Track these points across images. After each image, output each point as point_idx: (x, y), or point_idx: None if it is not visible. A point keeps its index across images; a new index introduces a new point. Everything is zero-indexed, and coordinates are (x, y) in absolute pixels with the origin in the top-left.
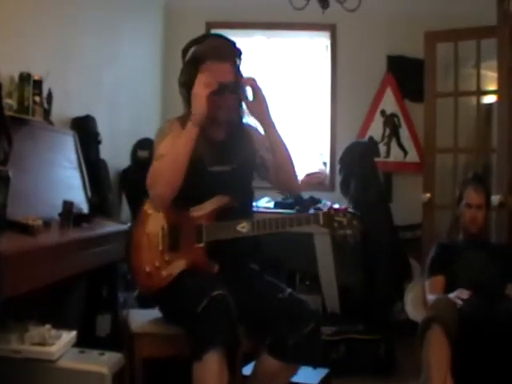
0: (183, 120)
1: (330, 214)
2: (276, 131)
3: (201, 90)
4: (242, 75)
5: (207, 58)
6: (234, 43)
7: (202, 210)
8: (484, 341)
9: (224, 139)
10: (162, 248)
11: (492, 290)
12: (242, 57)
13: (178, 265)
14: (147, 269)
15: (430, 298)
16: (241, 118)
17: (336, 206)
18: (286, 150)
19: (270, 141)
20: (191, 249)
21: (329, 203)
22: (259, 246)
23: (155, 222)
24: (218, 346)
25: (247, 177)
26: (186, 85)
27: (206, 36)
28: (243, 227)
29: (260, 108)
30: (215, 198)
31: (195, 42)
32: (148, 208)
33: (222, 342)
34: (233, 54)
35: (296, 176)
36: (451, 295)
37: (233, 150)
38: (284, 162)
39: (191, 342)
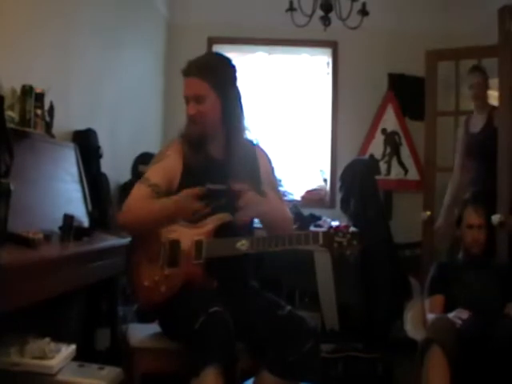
0: (182, 136)
1: (330, 234)
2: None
3: (188, 203)
4: (229, 89)
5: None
6: (220, 59)
7: (202, 227)
8: (483, 360)
9: (224, 158)
10: (162, 263)
11: (491, 310)
12: (229, 72)
13: (177, 280)
14: (146, 283)
15: (430, 317)
16: (237, 132)
17: (336, 223)
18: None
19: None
20: (190, 265)
21: (329, 220)
22: (259, 262)
23: (155, 237)
24: (215, 362)
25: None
26: None
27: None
28: (242, 245)
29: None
30: (216, 216)
31: None
32: None
33: (219, 359)
34: (206, 69)
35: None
36: (450, 315)
37: (233, 169)
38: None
39: (189, 358)
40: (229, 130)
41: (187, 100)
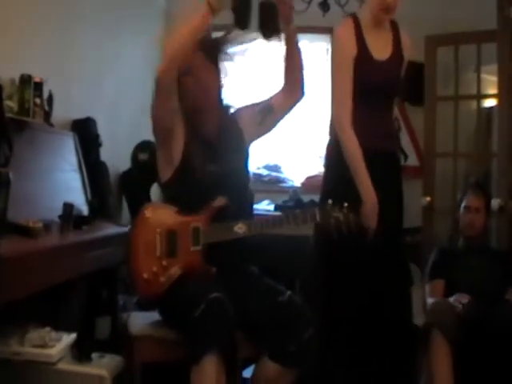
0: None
1: (326, 210)
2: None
3: None
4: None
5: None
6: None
7: (198, 213)
8: (484, 345)
9: (216, 140)
10: (160, 254)
11: (492, 295)
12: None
13: (176, 269)
14: (145, 275)
15: (430, 301)
16: (226, 107)
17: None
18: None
19: (289, 48)
20: (188, 252)
21: None
22: (259, 248)
23: (152, 228)
24: (215, 349)
25: (243, 179)
26: None
27: None
28: (240, 228)
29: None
30: (212, 201)
31: None
32: (148, 213)
33: (219, 346)
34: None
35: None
36: (450, 299)
37: (225, 151)
38: (298, 64)
39: (189, 346)
40: (222, 112)
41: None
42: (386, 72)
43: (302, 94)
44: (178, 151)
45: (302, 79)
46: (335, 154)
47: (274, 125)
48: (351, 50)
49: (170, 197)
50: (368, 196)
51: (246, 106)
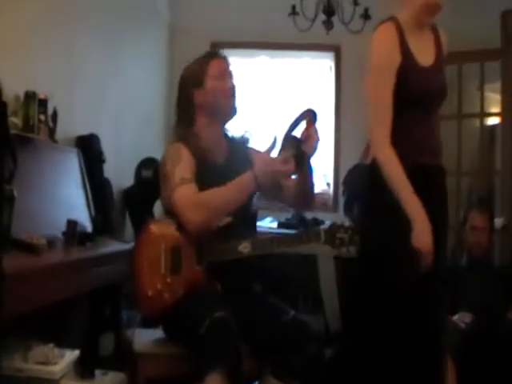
0: (188, 143)
1: (332, 231)
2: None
3: (279, 166)
4: None
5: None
6: None
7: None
8: (487, 363)
9: (224, 163)
10: (164, 271)
11: (494, 313)
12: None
13: (180, 287)
14: (149, 293)
15: None
16: (242, 139)
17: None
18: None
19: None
20: (192, 270)
21: None
22: (263, 266)
23: (155, 244)
24: (220, 366)
25: (249, 201)
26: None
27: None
28: (245, 247)
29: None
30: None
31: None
32: (146, 232)
33: (225, 363)
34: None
35: (314, 196)
36: (454, 318)
37: (233, 173)
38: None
39: (193, 363)
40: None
41: (220, 77)
42: (432, 79)
43: (309, 206)
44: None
45: (311, 197)
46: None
47: (274, 199)
48: (395, 57)
49: (172, 213)
50: (417, 214)
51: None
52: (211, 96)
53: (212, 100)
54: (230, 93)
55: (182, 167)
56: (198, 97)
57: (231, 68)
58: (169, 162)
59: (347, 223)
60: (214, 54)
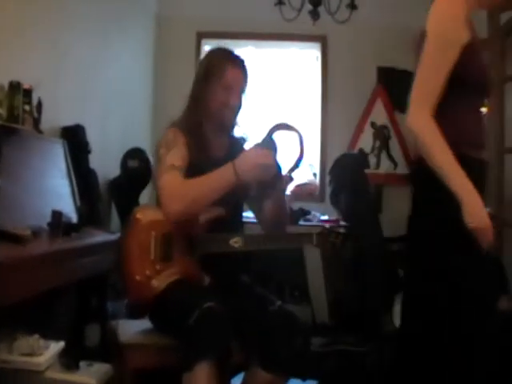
0: (184, 128)
1: (324, 235)
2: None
3: (262, 161)
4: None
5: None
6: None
7: (194, 221)
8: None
9: (224, 158)
10: (154, 257)
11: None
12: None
13: (169, 275)
14: (138, 277)
15: None
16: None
17: (325, 217)
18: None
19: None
20: (183, 260)
21: (318, 214)
22: (250, 258)
23: (146, 230)
24: (209, 357)
25: (241, 193)
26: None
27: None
28: (236, 242)
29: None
30: (209, 210)
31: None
32: (139, 215)
33: (213, 354)
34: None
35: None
36: None
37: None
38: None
39: (182, 353)
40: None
41: (230, 88)
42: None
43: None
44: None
45: (284, 218)
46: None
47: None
48: (463, 33)
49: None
50: (464, 190)
51: None
52: (213, 105)
53: (214, 109)
54: (233, 110)
55: (175, 154)
56: (205, 95)
57: (245, 79)
58: (163, 145)
59: (341, 228)
60: (234, 60)
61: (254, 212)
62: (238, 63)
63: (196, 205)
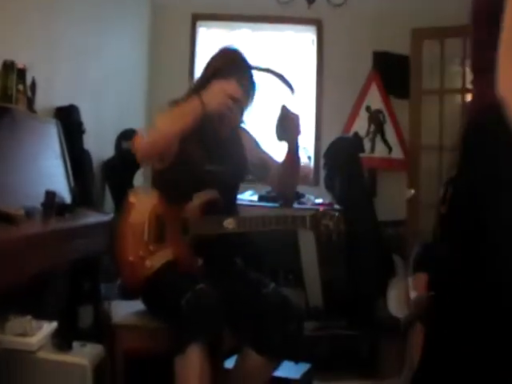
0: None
1: (317, 218)
2: (298, 157)
3: (228, 89)
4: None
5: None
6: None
7: (188, 203)
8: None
9: (226, 138)
10: (147, 238)
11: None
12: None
13: (163, 256)
14: (131, 258)
15: (413, 295)
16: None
17: (320, 200)
18: (297, 175)
19: (287, 161)
20: (176, 241)
21: (313, 198)
22: (244, 240)
23: (140, 212)
24: (201, 339)
25: (239, 177)
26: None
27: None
28: (229, 224)
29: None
30: (203, 192)
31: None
32: (132, 198)
33: (205, 336)
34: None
35: (295, 195)
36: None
37: (230, 150)
38: (293, 177)
39: (174, 335)
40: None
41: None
42: None
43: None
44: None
45: (290, 191)
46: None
47: (261, 181)
48: None
49: (161, 184)
50: None
51: (253, 141)
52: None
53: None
54: (231, 123)
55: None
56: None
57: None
58: (160, 114)
59: (335, 211)
60: (245, 70)
61: (262, 179)
62: (246, 74)
63: (162, 135)
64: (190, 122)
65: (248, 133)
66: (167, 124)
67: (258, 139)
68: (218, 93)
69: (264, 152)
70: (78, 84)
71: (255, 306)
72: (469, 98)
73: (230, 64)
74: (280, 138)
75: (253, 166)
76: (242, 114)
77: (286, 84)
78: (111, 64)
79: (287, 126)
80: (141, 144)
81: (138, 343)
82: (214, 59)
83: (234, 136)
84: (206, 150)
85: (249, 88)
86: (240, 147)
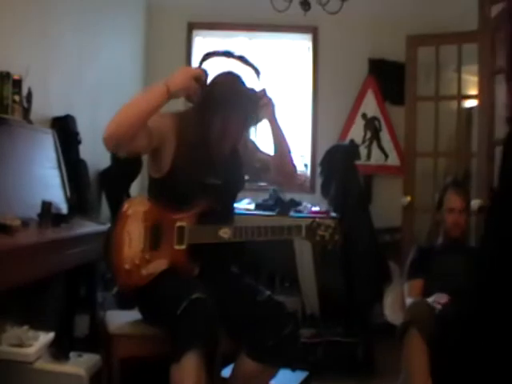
0: (182, 116)
1: (313, 228)
2: (280, 127)
3: (192, 73)
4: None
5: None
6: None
7: (184, 212)
8: (462, 345)
9: (227, 153)
10: (143, 247)
11: (470, 295)
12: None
13: (159, 264)
14: (127, 266)
15: (409, 301)
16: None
17: (316, 208)
18: (287, 143)
19: (274, 135)
20: (172, 250)
21: (309, 205)
22: (240, 249)
23: (137, 221)
24: (197, 347)
25: (236, 189)
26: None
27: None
28: (225, 233)
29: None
30: (198, 201)
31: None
32: (128, 208)
33: (201, 345)
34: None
35: (295, 167)
36: (429, 299)
37: (230, 165)
38: (286, 154)
39: (170, 344)
40: None
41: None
42: None
43: (293, 169)
44: (168, 158)
45: (290, 169)
46: None
47: (264, 181)
48: None
49: (157, 193)
50: None
51: (253, 143)
52: (211, 133)
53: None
54: (234, 140)
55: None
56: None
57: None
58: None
59: (331, 221)
60: (239, 105)
61: (266, 179)
62: (242, 107)
63: (129, 121)
64: (155, 106)
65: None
66: (132, 106)
67: (254, 140)
68: (182, 76)
69: (262, 152)
70: (74, 93)
71: (250, 314)
72: (465, 103)
73: (227, 97)
74: (260, 118)
75: (256, 169)
76: (244, 132)
77: (249, 66)
78: (107, 73)
79: (260, 104)
80: (107, 132)
81: (134, 352)
82: (211, 87)
83: (234, 150)
84: (205, 164)
85: (251, 107)
86: (239, 161)
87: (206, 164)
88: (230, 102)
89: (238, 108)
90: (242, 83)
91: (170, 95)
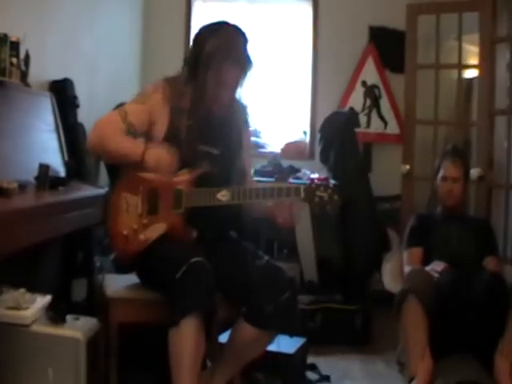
0: (173, 83)
1: (312, 189)
2: None
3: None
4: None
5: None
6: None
7: (182, 176)
8: (460, 312)
9: (221, 117)
10: (141, 211)
11: (468, 263)
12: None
13: (157, 229)
14: (125, 232)
15: (407, 269)
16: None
17: (315, 175)
18: None
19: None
20: (170, 214)
21: (308, 172)
22: (239, 213)
23: (134, 186)
24: (196, 312)
25: (234, 160)
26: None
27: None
28: (223, 196)
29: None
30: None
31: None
32: (128, 172)
33: (200, 308)
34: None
35: None
36: (428, 268)
37: (225, 131)
38: None
39: (168, 308)
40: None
41: (224, 85)
42: None
43: None
44: (162, 128)
45: None
46: None
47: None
48: None
49: None
50: None
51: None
52: (205, 93)
53: (205, 95)
54: (224, 100)
55: (139, 109)
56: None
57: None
58: (137, 95)
59: (330, 182)
60: (235, 56)
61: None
62: (239, 60)
63: (105, 151)
64: (122, 156)
65: (248, 130)
66: (111, 148)
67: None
68: (157, 164)
69: (248, 157)
70: (72, 57)
71: (248, 279)
72: (465, 73)
73: (224, 47)
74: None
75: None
76: (235, 92)
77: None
78: (105, 37)
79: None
80: (90, 141)
81: (131, 316)
82: (206, 40)
83: (228, 115)
84: (197, 130)
85: (245, 65)
86: (234, 127)
87: (199, 130)
88: (221, 54)
89: (232, 54)
90: (234, 32)
91: (141, 162)
